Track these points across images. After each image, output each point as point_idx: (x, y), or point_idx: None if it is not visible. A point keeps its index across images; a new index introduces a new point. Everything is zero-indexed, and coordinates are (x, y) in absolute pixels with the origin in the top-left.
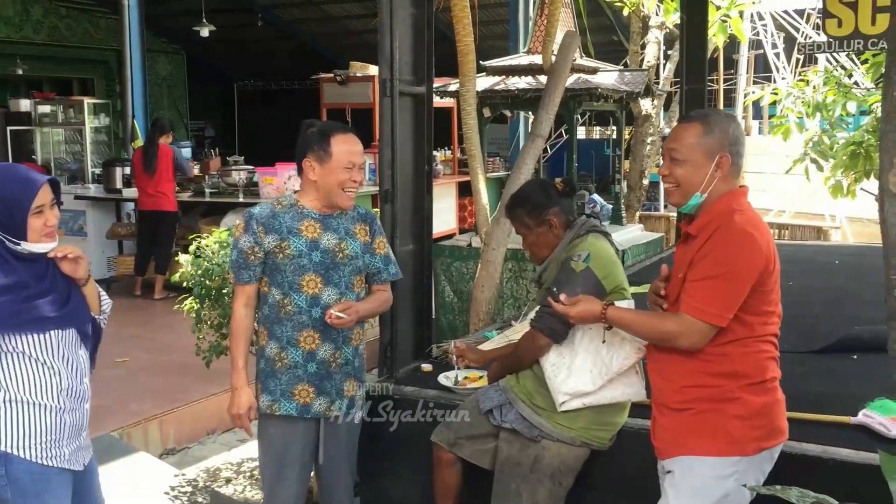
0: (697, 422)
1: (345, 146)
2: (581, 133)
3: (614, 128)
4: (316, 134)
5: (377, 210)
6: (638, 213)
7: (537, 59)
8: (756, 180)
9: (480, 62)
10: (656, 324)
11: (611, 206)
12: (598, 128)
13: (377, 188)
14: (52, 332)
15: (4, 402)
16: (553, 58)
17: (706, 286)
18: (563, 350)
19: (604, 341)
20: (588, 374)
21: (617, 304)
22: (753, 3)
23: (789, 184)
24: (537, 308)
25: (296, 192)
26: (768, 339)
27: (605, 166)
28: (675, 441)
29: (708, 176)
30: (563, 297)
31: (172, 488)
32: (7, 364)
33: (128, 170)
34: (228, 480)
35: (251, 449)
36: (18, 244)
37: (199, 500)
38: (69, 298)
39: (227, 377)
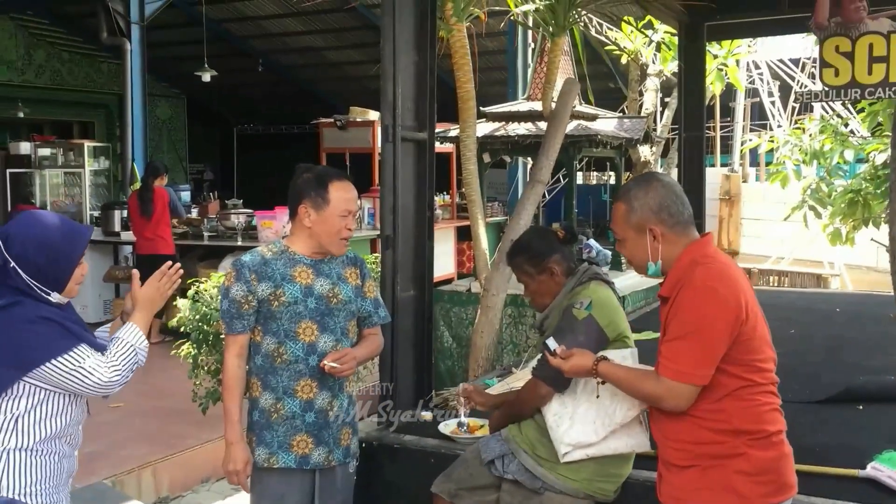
0: (703, 479)
1: (342, 193)
2: (578, 178)
3: (612, 173)
4: (313, 180)
5: (377, 255)
6: None
7: (537, 106)
8: (753, 227)
9: (480, 108)
10: (641, 385)
11: (609, 252)
12: (595, 173)
13: (376, 232)
14: None
15: (14, 449)
16: (553, 104)
17: (677, 347)
18: (565, 399)
19: (597, 396)
20: (591, 424)
21: (620, 352)
22: (749, 52)
23: (786, 230)
24: (539, 356)
25: (285, 237)
26: (766, 388)
27: (602, 211)
28: (682, 498)
29: (649, 248)
30: (558, 349)
31: None
32: (22, 413)
33: (126, 213)
34: None
35: (246, 498)
36: (49, 294)
37: None
38: None
39: (222, 423)
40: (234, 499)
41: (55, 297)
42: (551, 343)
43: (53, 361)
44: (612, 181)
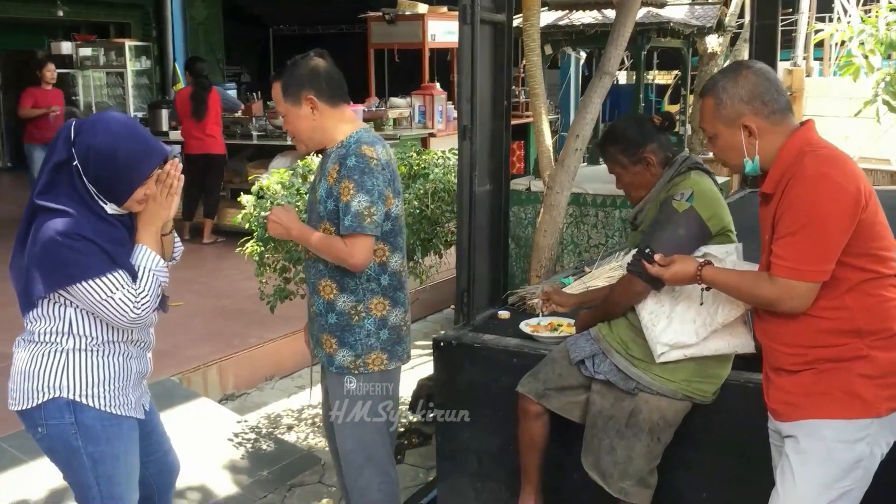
0: (820, 382)
1: None
2: (622, 77)
3: (656, 72)
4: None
5: (429, 151)
6: (700, 157)
7: None
8: (816, 123)
9: None
10: (752, 289)
11: None
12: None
13: (427, 131)
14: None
15: (74, 350)
16: None
17: (793, 242)
18: (661, 297)
19: (701, 303)
20: (691, 324)
21: (724, 247)
22: None
23: (851, 127)
24: (634, 251)
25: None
26: (891, 281)
27: (648, 112)
28: (795, 403)
29: (745, 143)
30: (657, 257)
31: (236, 434)
32: (77, 312)
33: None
34: (290, 427)
35: (308, 396)
36: (106, 204)
37: (263, 446)
38: None
39: (284, 324)
40: (297, 397)
41: (110, 209)
42: (648, 250)
43: (83, 283)
44: (658, 81)
